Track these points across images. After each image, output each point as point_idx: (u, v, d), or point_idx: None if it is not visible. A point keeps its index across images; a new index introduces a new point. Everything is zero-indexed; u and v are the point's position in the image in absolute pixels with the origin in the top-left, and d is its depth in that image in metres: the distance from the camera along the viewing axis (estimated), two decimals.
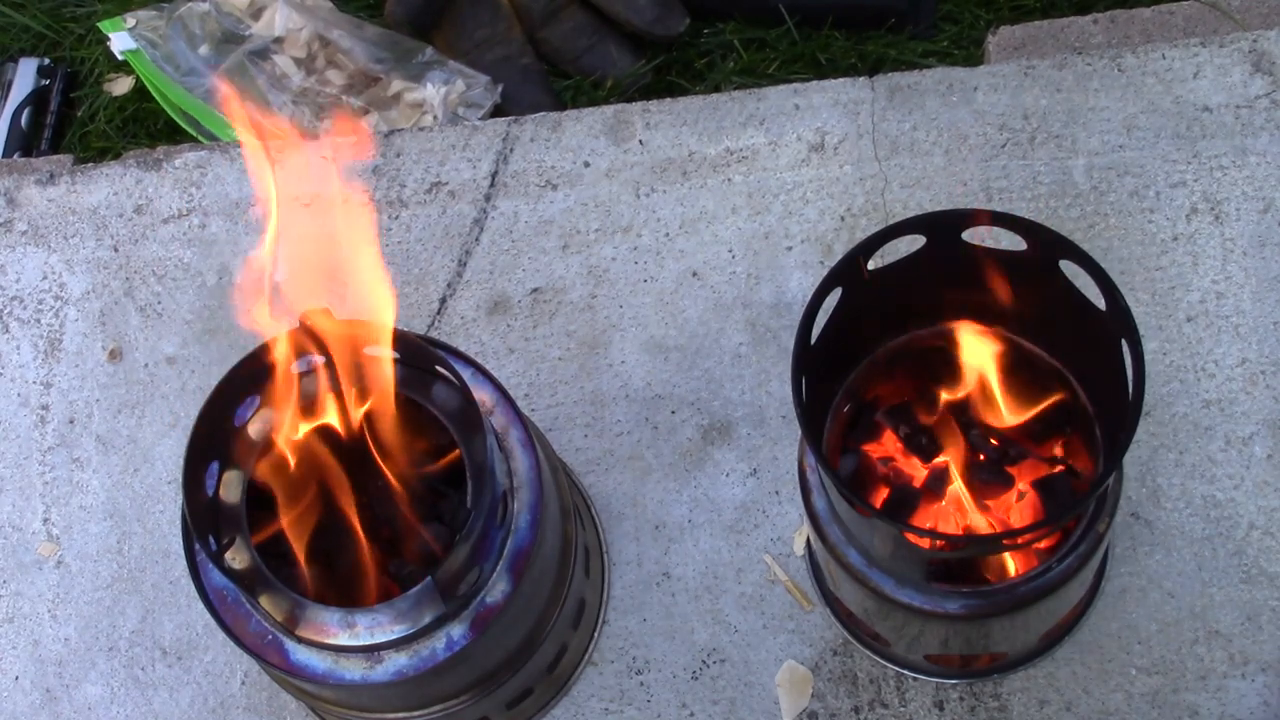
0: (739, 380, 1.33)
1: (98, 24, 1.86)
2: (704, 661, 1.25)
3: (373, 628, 1.03)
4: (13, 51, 1.92)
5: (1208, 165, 1.34)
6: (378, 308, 1.02)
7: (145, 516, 1.34)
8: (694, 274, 1.37)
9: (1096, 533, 1.05)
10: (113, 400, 1.38)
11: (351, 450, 1.10)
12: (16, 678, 1.30)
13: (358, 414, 1.07)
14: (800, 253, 1.36)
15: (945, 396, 1.11)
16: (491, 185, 1.42)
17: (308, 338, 1.02)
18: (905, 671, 1.22)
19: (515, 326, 1.37)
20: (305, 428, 1.07)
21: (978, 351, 1.10)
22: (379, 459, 1.08)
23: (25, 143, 1.86)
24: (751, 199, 1.38)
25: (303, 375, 1.07)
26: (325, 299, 1.02)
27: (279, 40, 1.79)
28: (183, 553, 1.08)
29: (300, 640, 1.03)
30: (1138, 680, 1.21)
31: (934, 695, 1.22)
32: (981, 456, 1.11)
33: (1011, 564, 1.09)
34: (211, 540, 1.01)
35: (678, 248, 1.38)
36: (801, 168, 1.39)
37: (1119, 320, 0.98)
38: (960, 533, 1.10)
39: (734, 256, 1.37)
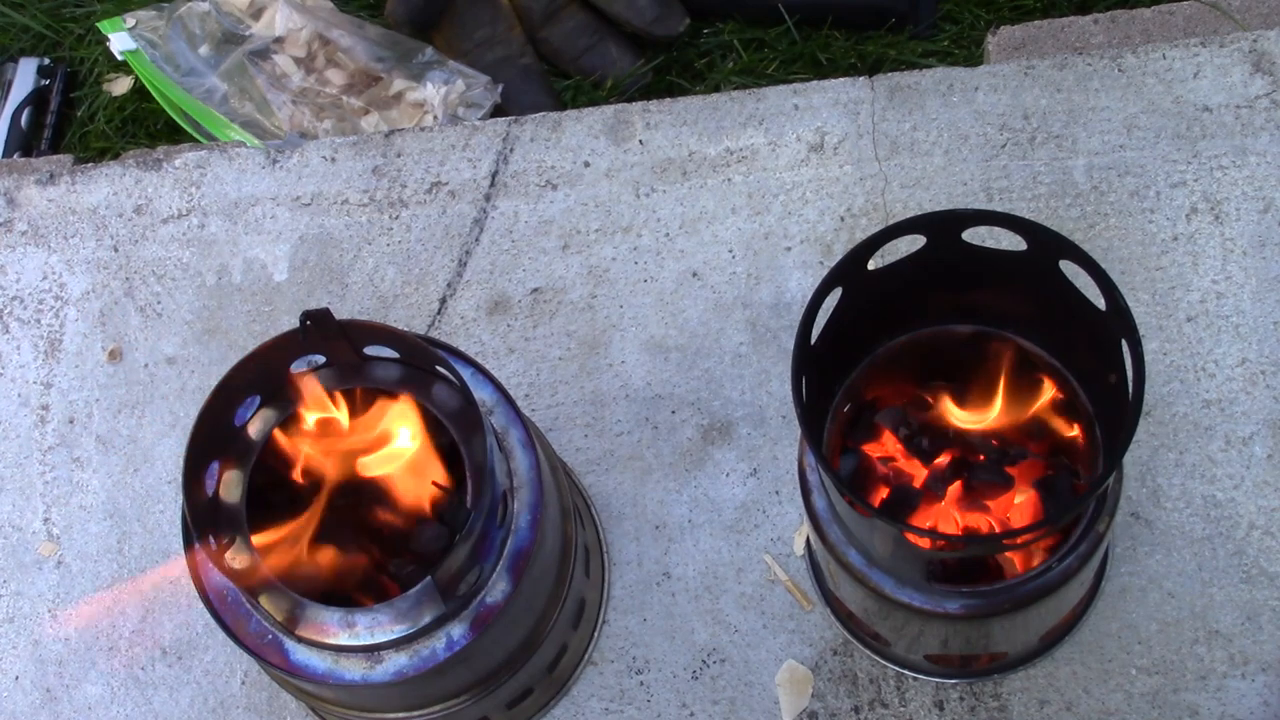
0: (739, 380, 1.33)
1: (97, 24, 1.86)
2: (704, 661, 1.25)
3: (373, 628, 1.03)
4: (13, 51, 1.92)
5: (1208, 165, 1.34)
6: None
7: (145, 516, 1.34)
8: (694, 274, 1.37)
9: (1096, 533, 1.05)
10: (113, 400, 1.38)
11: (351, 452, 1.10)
12: (16, 678, 1.30)
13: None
14: (800, 253, 1.36)
15: (945, 396, 1.11)
16: (491, 185, 1.42)
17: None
18: (905, 671, 1.22)
19: (515, 326, 1.37)
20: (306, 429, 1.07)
21: (977, 352, 1.10)
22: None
23: (25, 143, 1.86)
24: (751, 199, 1.38)
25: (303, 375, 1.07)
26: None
27: (279, 40, 1.79)
28: (183, 552, 1.08)
29: (300, 640, 1.03)
30: (1138, 680, 1.21)
31: (934, 695, 1.22)
32: (981, 457, 1.11)
33: (1011, 564, 1.09)
34: (211, 540, 1.01)
35: (678, 248, 1.38)
36: (801, 168, 1.39)
37: (1119, 320, 0.98)
38: (960, 533, 1.10)
39: (734, 256, 1.37)
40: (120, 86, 1.87)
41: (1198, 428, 1.26)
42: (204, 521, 1.02)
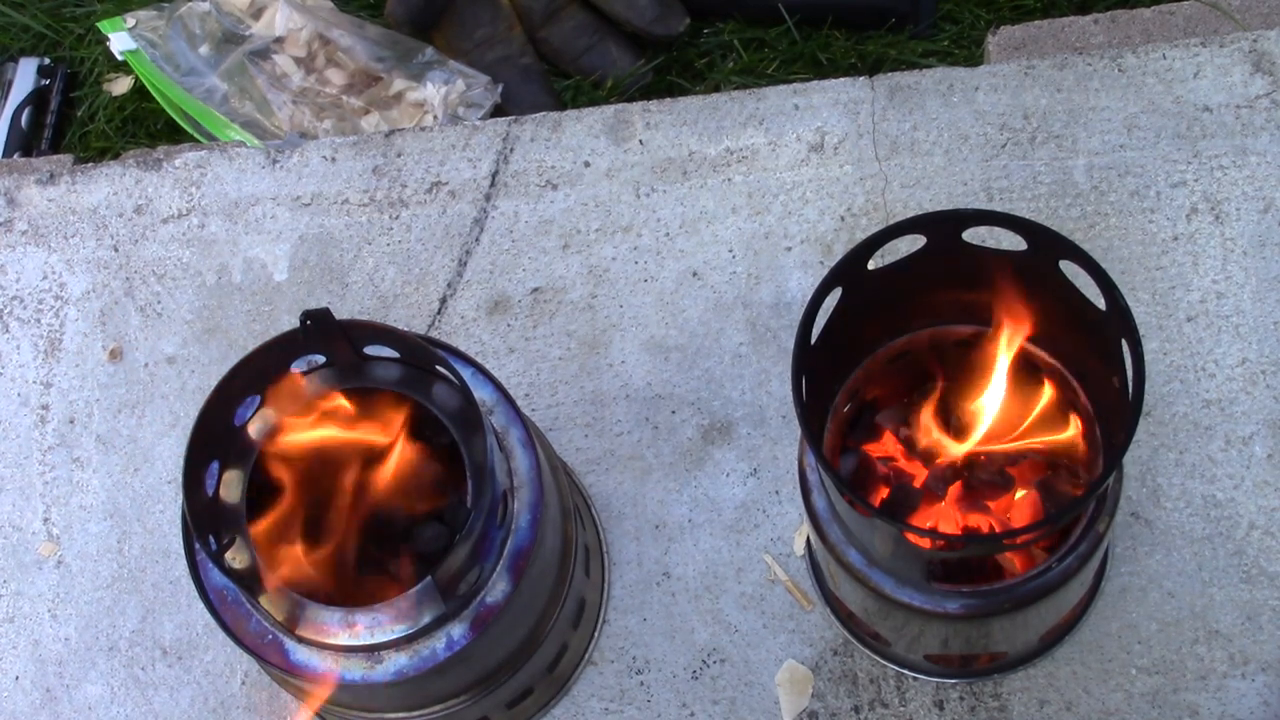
0: (739, 380, 1.33)
1: (97, 24, 1.86)
2: (704, 661, 1.25)
3: (373, 627, 1.03)
4: (13, 51, 1.92)
5: (1208, 165, 1.34)
6: None
7: (145, 516, 1.34)
8: (694, 274, 1.37)
9: (1096, 533, 1.05)
10: (113, 400, 1.38)
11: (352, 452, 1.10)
12: (16, 678, 1.30)
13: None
14: (800, 253, 1.36)
15: (944, 397, 1.11)
16: (492, 185, 1.42)
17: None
18: (905, 671, 1.22)
19: (515, 326, 1.37)
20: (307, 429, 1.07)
21: (977, 351, 1.10)
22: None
23: (25, 143, 1.86)
24: (751, 199, 1.38)
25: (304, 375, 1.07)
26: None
27: (279, 40, 1.79)
28: (183, 552, 1.08)
29: (300, 640, 1.03)
30: (1138, 680, 1.21)
31: (934, 695, 1.22)
32: (982, 457, 1.11)
33: (1011, 564, 1.09)
34: (211, 540, 1.01)
35: (678, 247, 1.38)
36: (801, 168, 1.39)
37: (1119, 320, 0.98)
38: (960, 533, 1.10)
39: (734, 256, 1.37)
40: (120, 86, 1.87)
41: (1198, 428, 1.26)
42: (204, 521, 1.02)
